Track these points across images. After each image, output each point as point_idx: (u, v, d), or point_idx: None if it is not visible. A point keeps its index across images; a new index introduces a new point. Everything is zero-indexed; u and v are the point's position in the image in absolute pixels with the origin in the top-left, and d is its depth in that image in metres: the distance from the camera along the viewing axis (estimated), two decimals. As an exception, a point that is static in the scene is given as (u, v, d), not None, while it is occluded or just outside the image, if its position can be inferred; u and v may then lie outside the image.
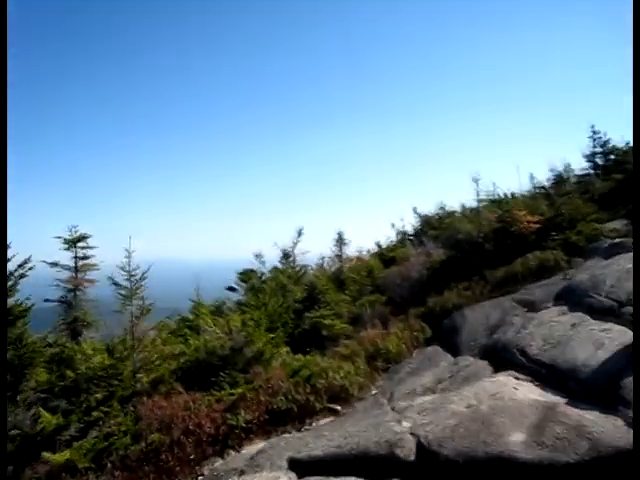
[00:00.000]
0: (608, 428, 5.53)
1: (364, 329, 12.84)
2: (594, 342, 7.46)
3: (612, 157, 20.74)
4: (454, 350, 10.34)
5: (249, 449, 7.63)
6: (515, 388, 6.88)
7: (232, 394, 8.88)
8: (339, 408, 8.99)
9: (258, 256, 18.60)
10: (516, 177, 25.81)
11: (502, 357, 8.52)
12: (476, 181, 16.36)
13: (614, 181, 18.43)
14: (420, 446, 5.95)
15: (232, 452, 7.75)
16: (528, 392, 6.75)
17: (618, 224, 15.02)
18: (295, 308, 14.24)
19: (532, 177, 19.91)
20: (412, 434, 6.19)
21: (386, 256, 20.45)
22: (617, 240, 12.78)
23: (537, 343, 8.17)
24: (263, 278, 17.85)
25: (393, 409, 7.66)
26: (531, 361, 7.81)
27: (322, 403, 9.00)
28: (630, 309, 8.21)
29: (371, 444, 6.15)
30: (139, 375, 9.43)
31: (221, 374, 9.45)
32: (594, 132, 21.19)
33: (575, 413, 5.87)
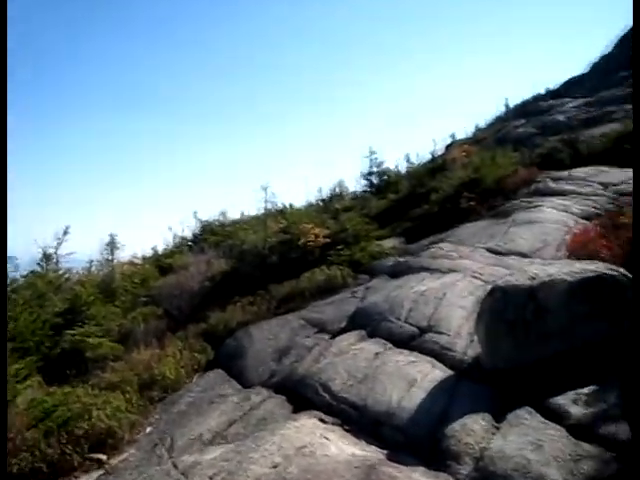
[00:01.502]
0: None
1: (137, 348, 10.83)
2: (404, 377, 6.76)
3: (385, 178, 21.81)
4: (241, 377, 8.97)
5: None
6: (326, 438, 5.76)
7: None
8: (104, 458, 7.05)
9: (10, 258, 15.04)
10: (304, 189, 26.08)
11: (301, 393, 7.40)
12: (265, 189, 15.48)
13: (389, 200, 19.20)
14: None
15: None
16: (341, 444, 5.67)
17: (396, 242, 15.36)
18: (54, 323, 11.59)
19: (320, 190, 19.95)
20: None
21: (163, 263, 18.41)
22: (401, 259, 12.83)
23: (341, 377, 7.23)
24: (14, 285, 14.48)
25: (175, 466, 5.98)
26: (336, 399, 6.79)
27: (82, 454, 6.97)
28: (433, 336, 7.82)
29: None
30: None
31: None
32: (371, 152, 22.11)
33: (400, 473, 4.95)
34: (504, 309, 6.54)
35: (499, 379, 6.25)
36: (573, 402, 5.53)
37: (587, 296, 6.73)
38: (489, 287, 9.40)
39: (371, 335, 8.62)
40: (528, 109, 30.59)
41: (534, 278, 6.78)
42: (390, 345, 8.02)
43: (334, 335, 9.20)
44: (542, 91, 33.71)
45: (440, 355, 7.33)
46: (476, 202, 16.22)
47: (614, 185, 16.49)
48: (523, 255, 11.54)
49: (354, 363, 7.55)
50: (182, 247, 20.19)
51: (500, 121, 30.92)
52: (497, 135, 26.36)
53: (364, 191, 21.03)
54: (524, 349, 6.40)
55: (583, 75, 34.49)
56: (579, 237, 10.79)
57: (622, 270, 7.16)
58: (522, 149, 22.43)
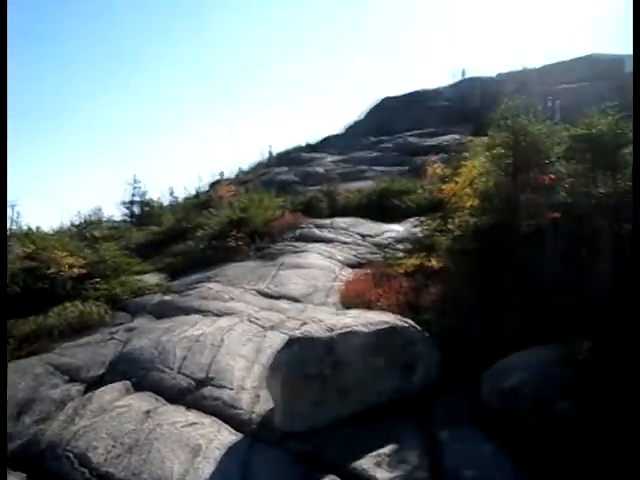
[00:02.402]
0: None
1: None
2: (186, 443, 5.68)
3: (148, 209, 20.39)
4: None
5: None
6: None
7: None
8: None
9: None
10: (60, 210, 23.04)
11: (50, 469, 5.71)
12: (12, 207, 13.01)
13: (151, 232, 17.88)
14: None
15: None
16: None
17: (158, 277, 14.15)
18: None
19: (79, 214, 17.65)
20: None
21: None
22: (167, 297, 11.66)
23: (104, 444, 5.80)
24: None
25: None
26: (100, 476, 5.40)
27: None
28: (213, 391, 6.89)
29: None
30: None
31: None
32: (135, 181, 20.55)
33: None
34: (303, 363, 6.01)
35: (298, 442, 5.64)
36: (376, 465, 5.19)
37: (383, 348, 6.62)
38: (268, 333, 9.00)
39: (138, 387, 7.31)
40: (291, 158, 32.00)
41: (332, 329, 6.41)
42: (163, 401, 6.85)
43: (90, 385, 7.66)
44: (303, 144, 35.70)
45: (224, 414, 6.44)
46: (244, 242, 15.87)
47: (371, 236, 17.54)
48: (295, 300, 11.36)
49: (120, 425, 6.18)
50: None
51: (263, 166, 31.75)
52: (262, 179, 26.85)
53: (124, 220, 19.29)
54: (323, 407, 5.93)
55: (338, 135, 37.68)
56: (353, 285, 10.99)
57: (410, 321, 7.26)
58: (286, 195, 23.03)
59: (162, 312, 10.69)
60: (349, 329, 6.48)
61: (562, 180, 8.28)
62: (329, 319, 6.97)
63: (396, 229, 19.42)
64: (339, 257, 15.19)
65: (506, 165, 8.67)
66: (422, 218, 16.43)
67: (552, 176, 8.02)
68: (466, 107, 36.38)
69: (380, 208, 20.45)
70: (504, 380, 6.09)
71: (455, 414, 6.46)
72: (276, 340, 8.60)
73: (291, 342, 6.22)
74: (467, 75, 40.47)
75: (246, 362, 7.69)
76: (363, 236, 17.84)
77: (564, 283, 7.19)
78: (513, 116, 8.76)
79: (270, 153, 33.96)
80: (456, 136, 32.40)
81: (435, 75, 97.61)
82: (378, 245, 16.92)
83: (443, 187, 10.74)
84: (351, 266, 14.52)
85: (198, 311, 10.20)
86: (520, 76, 39.95)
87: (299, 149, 34.52)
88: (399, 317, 7.30)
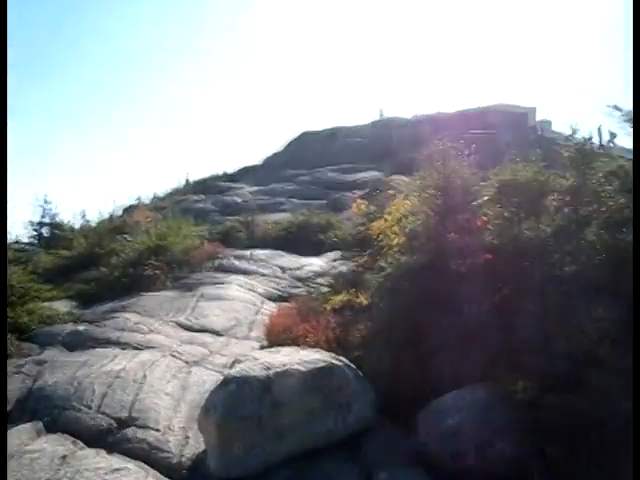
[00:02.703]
0: None
1: None
2: (110, 493, 5.27)
3: (57, 232, 19.22)
4: None
5: None
6: None
7: None
8: None
9: None
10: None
11: None
12: None
13: (61, 257, 16.85)
14: None
15: None
16: None
17: (69, 305, 13.24)
18: None
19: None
20: None
21: None
22: (81, 328, 10.90)
23: None
24: None
25: None
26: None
27: None
28: (137, 432, 6.42)
29: None
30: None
31: None
32: (45, 201, 19.35)
33: None
34: (239, 404, 5.74)
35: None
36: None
37: (319, 389, 6.47)
38: (193, 369, 8.60)
39: (52, 428, 6.65)
40: (208, 186, 31.55)
41: (269, 368, 6.19)
42: (81, 444, 6.27)
43: None
44: (220, 172, 35.40)
45: (151, 458, 6.01)
46: (161, 271, 15.28)
47: (291, 269, 17.46)
48: (217, 333, 11.04)
49: (33, 474, 5.58)
50: None
51: (180, 193, 31.06)
52: (179, 206, 26.18)
53: (31, 243, 18.01)
54: (260, 450, 5.68)
55: (257, 166, 37.74)
56: (279, 320, 10.78)
57: (345, 360, 7.17)
58: (204, 223, 22.61)
59: (76, 344, 9.96)
60: (285, 368, 6.29)
61: (488, 223, 8.62)
62: (264, 357, 6.76)
63: (316, 263, 19.43)
64: (260, 290, 14.99)
65: (436, 206, 8.89)
66: (345, 253, 16.57)
67: (484, 218, 8.32)
68: (384, 146, 37.56)
69: (298, 241, 20.48)
70: (442, 420, 6.11)
71: (393, 454, 6.41)
72: (202, 376, 8.27)
73: (227, 381, 5.93)
74: (385, 115, 41.92)
75: (172, 400, 7.28)
76: (283, 269, 17.74)
77: (491, 322, 7.39)
78: (443, 158, 9.05)
79: (187, 180, 33.30)
80: (375, 173, 33.25)
81: (354, 113, 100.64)
82: (299, 279, 16.87)
83: (372, 224, 10.86)
84: (272, 299, 14.37)
85: (116, 343, 9.61)
86: (435, 119, 41.87)
87: (216, 178, 34.13)
88: (333, 355, 7.19)
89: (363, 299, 9.89)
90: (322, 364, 6.66)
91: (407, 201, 10.03)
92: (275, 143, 49.92)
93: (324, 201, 28.65)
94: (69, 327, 11.00)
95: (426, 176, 9.24)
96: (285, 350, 7.23)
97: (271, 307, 13.52)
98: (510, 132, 35.36)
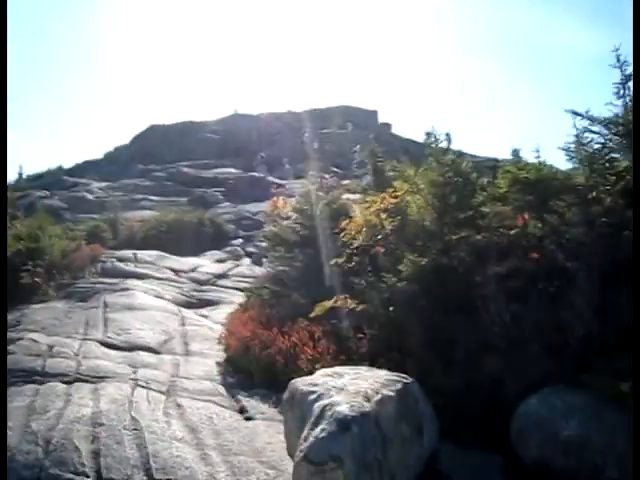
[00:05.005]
0: None
1: None
2: None
3: None
4: None
5: None
6: None
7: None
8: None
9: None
10: None
11: None
12: None
13: None
14: None
15: None
16: None
17: None
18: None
19: None
20: None
21: None
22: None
23: None
24: None
25: None
26: None
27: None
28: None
29: None
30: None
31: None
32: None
33: None
34: (365, 449, 4.20)
35: None
36: None
37: (404, 413, 5.14)
38: (181, 401, 6.64)
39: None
40: (49, 182, 27.59)
41: (368, 399, 4.70)
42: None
43: None
44: (55, 166, 31.32)
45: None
46: (41, 278, 12.48)
47: (184, 272, 16.13)
48: (153, 350, 9.05)
49: None
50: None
51: (16, 189, 26.72)
52: (21, 202, 22.28)
53: None
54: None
55: (99, 160, 34.36)
56: (240, 329, 9.00)
57: (407, 375, 5.88)
58: (59, 222, 19.77)
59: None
60: (379, 396, 4.87)
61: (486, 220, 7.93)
62: (329, 381, 5.22)
63: (204, 264, 18.16)
64: (167, 296, 13.10)
65: (438, 204, 7.96)
66: (268, 253, 15.01)
67: (525, 216, 7.57)
68: (236, 142, 36.30)
69: (172, 241, 19.32)
70: (555, 429, 5.12)
71: (481, 475, 5.33)
72: (199, 410, 6.44)
73: (346, 423, 4.27)
74: (238, 112, 40.58)
75: (192, 448, 5.34)
76: (175, 271, 16.16)
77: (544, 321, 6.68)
78: (441, 154, 8.16)
79: (20, 175, 28.73)
80: (232, 170, 31.94)
81: (205, 109, 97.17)
82: (198, 281, 15.48)
83: (345, 222, 9.47)
84: (183, 305, 12.70)
85: (52, 376, 7.11)
86: (283, 118, 41.57)
87: (55, 172, 29.99)
88: (395, 373, 5.89)
89: (354, 304, 8.48)
90: (400, 384, 5.34)
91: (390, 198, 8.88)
92: (119, 136, 46.04)
93: (184, 198, 26.88)
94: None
95: (430, 173, 8.22)
96: (345, 369, 5.73)
97: (191, 315, 11.75)
98: (360, 131, 36.29)
